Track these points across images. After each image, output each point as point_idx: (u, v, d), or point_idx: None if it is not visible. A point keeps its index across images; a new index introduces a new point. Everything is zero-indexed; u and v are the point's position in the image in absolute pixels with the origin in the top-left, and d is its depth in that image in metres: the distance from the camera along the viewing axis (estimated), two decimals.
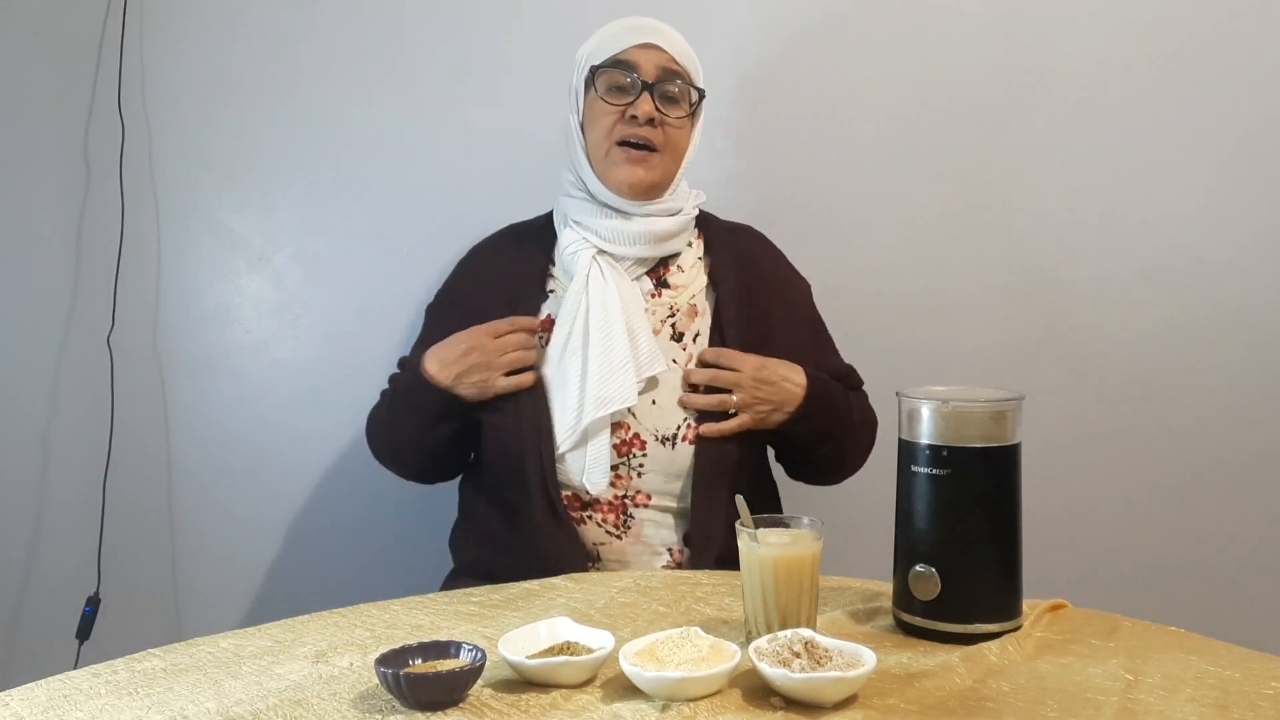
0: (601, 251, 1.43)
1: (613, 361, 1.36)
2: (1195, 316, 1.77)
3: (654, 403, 1.39)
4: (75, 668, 0.94)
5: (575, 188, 1.48)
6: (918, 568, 1.00)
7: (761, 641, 0.90)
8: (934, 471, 1.00)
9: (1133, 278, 1.77)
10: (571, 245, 1.44)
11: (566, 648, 0.92)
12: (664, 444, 1.38)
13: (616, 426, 1.37)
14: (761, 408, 1.39)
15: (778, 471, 1.55)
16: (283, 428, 1.83)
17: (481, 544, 1.44)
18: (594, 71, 1.43)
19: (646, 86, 1.41)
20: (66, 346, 1.80)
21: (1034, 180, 1.79)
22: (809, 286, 1.59)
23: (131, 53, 1.77)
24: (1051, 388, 1.77)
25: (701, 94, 1.46)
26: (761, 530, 1.01)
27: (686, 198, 1.49)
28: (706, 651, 0.88)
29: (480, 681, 0.88)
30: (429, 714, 0.83)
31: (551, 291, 1.47)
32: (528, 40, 1.79)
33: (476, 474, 1.49)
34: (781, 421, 1.41)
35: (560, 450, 1.36)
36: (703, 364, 1.40)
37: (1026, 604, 1.04)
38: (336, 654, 0.97)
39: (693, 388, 1.40)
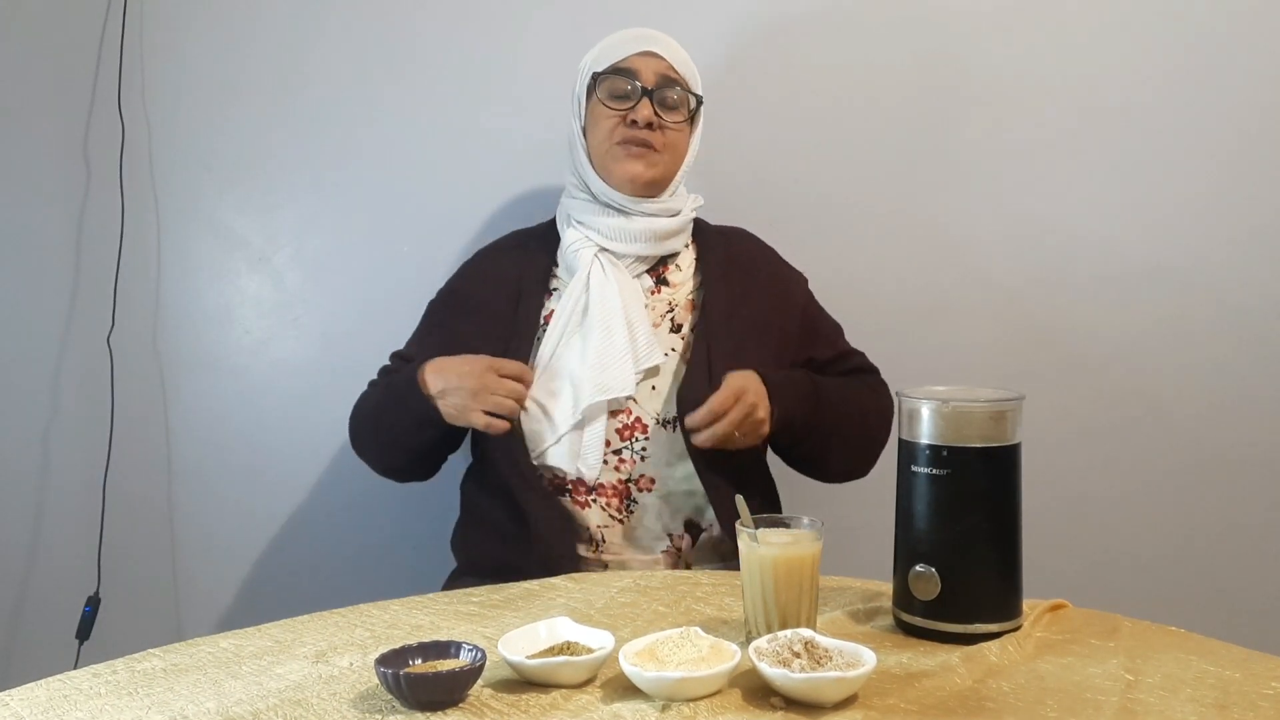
0: (603, 249, 1.47)
1: (612, 352, 1.39)
2: (1195, 316, 1.77)
3: (653, 388, 1.41)
4: (75, 667, 0.94)
5: (578, 189, 1.52)
6: (918, 568, 1.00)
7: (761, 641, 0.90)
8: (934, 471, 1.00)
9: (1133, 278, 1.77)
10: (574, 243, 1.48)
11: (566, 648, 0.92)
12: (665, 427, 1.40)
13: (617, 412, 1.40)
14: (760, 420, 1.37)
15: (777, 471, 1.55)
16: (283, 427, 1.83)
17: (486, 537, 1.44)
18: (596, 78, 1.48)
19: (646, 92, 1.45)
20: (66, 346, 1.80)
21: (1034, 180, 1.79)
22: (804, 279, 1.59)
23: (131, 52, 1.78)
24: (1051, 388, 1.77)
25: (699, 100, 1.51)
26: (761, 530, 1.01)
27: (686, 200, 1.54)
28: (706, 651, 0.88)
29: (480, 681, 0.88)
30: (429, 714, 0.83)
31: (554, 290, 1.50)
32: (528, 42, 1.79)
33: (478, 468, 1.50)
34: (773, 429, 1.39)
35: (559, 433, 1.38)
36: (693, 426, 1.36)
37: (1026, 604, 1.04)
38: (336, 654, 0.97)
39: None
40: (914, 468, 1.01)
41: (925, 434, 1.00)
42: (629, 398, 1.39)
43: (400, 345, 1.59)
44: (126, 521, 1.79)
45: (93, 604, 1.75)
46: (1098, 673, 0.92)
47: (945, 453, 0.99)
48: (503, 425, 1.37)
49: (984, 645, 0.97)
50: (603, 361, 1.38)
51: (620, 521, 1.39)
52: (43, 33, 1.78)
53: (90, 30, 1.77)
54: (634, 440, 1.39)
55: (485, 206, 1.78)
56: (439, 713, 0.84)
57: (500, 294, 1.50)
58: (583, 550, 1.39)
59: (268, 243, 1.82)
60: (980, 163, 1.79)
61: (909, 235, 1.80)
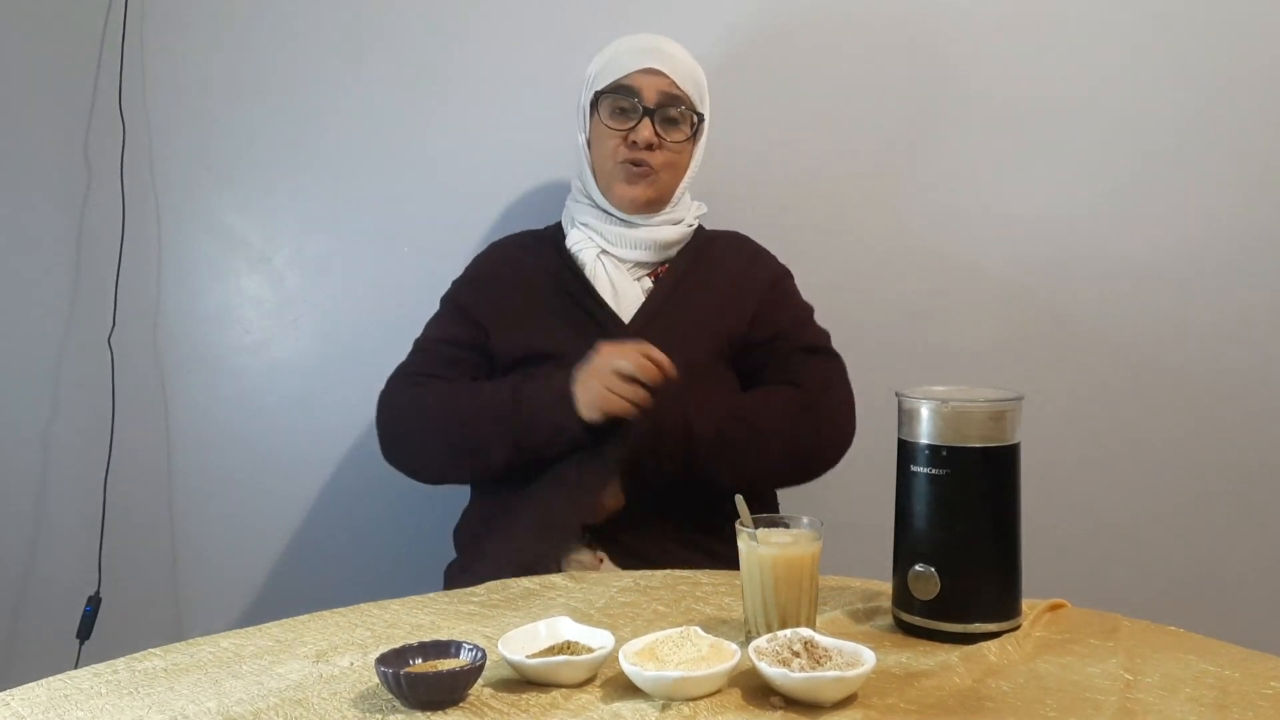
0: (605, 251, 1.50)
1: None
2: (1195, 316, 1.77)
3: None
4: (76, 667, 0.94)
5: (582, 194, 1.55)
6: (917, 567, 1.00)
7: (761, 641, 0.90)
8: (933, 471, 1.00)
9: (1133, 278, 1.78)
10: (578, 244, 1.51)
11: (566, 647, 0.92)
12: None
13: None
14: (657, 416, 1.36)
15: None
16: (283, 427, 1.83)
17: (490, 516, 1.44)
18: (598, 95, 1.49)
19: (648, 112, 1.47)
20: (66, 346, 1.80)
21: (1034, 180, 1.79)
22: (786, 273, 1.58)
23: (132, 52, 1.78)
24: (1051, 388, 1.77)
25: (701, 118, 1.51)
26: (761, 530, 1.01)
27: (689, 208, 1.56)
28: (706, 651, 0.89)
29: (480, 681, 0.88)
30: (429, 714, 0.84)
31: (565, 287, 1.50)
32: (530, 43, 1.79)
33: None
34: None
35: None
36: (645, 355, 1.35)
37: (1026, 604, 1.04)
38: (337, 654, 0.97)
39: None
40: (913, 468, 1.01)
41: (925, 434, 1.01)
42: None
43: (401, 346, 1.58)
44: (127, 521, 1.80)
45: (93, 603, 1.76)
46: (1097, 672, 0.92)
47: (945, 453, 1.00)
48: (628, 408, 1.32)
49: (983, 645, 0.97)
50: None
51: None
52: (43, 33, 1.78)
53: (91, 30, 1.77)
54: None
55: (486, 207, 1.78)
56: (439, 712, 0.84)
57: (521, 284, 1.52)
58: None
59: (268, 243, 1.83)
60: (980, 162, 1.79)
61: (909, 235, 1.80)
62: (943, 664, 0.93)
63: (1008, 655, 0.95)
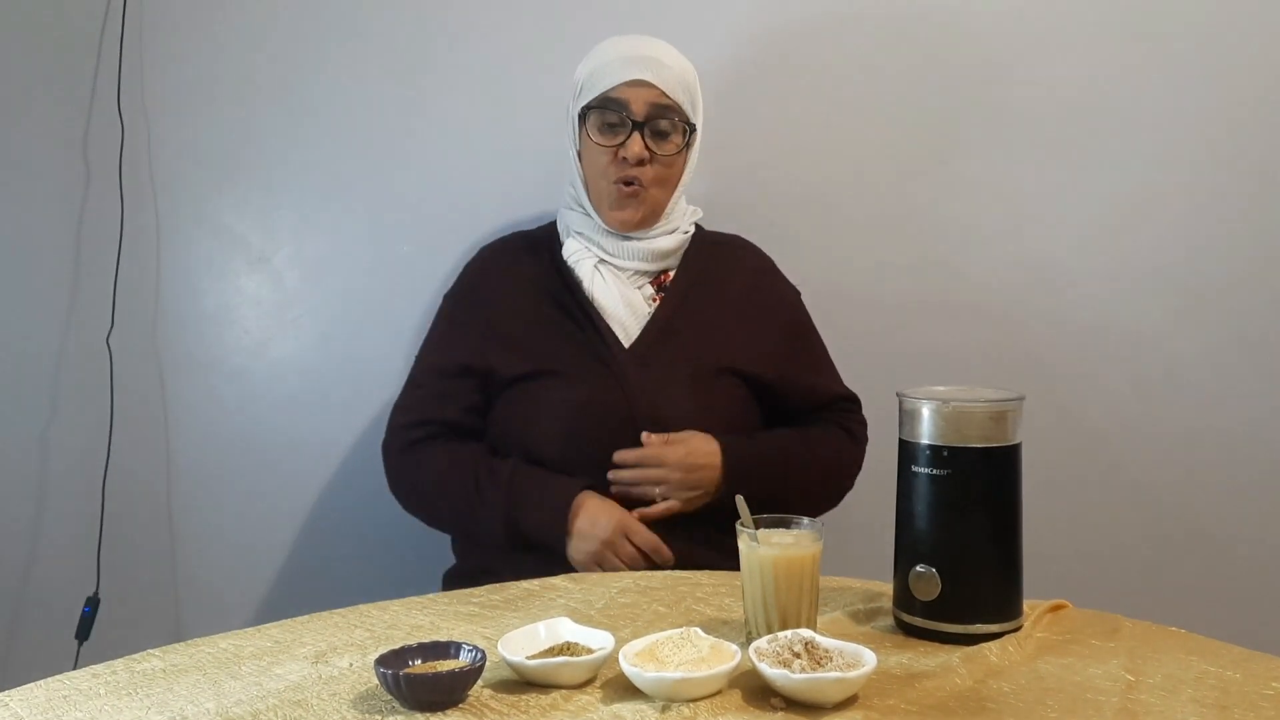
0: (603, 261, 1.48)
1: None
2: (1195, 316, 1.77)
3: None
4: (75, 668, 0.94)
5: (576, 202, 1.52)
6: (918, 568, 1.00)
7: (761, 642, 0.90)
8: (934, 472, 1.00)
9: (1133, 278, 1.77)
10: (574, 254, 1.48)
11: (566, 648, 0.92)
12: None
13: None
14: (692, 493, 1.39)
15: None
16: (282, 428, 1.83)
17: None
18: (585, 109, 1.45)
19: (637, 126, 1.42)
20: (66, 346, 1.80)
21: (1034, 180, 1.79)
22: (797, 294, 1.58)
23: (131, 52, 1.77)
24: (1051, 388, 1.77)
25: (693, 128, 1.47)
26: (761, 530, 1.01)
27: (685, 214, 1.53)
28: (706, 652, 0.88)
29: (480, 682, 0.88)
30: (429, 714, 0.83)
31: (561, 300, 1.48)
32: (529, 43, 1.79)
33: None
34: (708, 502, 1.40)
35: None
36: (624, 463, 1.38)
37: (1027, 604, 1.04)
38: (336, 654, 0.97)
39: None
40: (914, 468, 1.01)
41: (925, 434, 1.00)
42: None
43: (401, 347, 1.58)
44: (126, 521, 1.79)
45: (92, 604, 1.75)
46: (1098, 673, 0.92)
47: (945, 453, 0.99)
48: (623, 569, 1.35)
49: (984, 646, 0.97)
50: None
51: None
52: (43, 33, 1.78)
53: (90, 30, 1.77)
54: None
55: (485, 207, 1.78)
56: (439, 713, 0.84)
57: (514, 301, 1.49)
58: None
59: (267, 243, 1.82)
60: (980, 163, 1.79)
61: (909, 235, 1.80)
62: (944, 665, 0.93)
63: (1009, 656, 0.95)
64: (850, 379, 1.58)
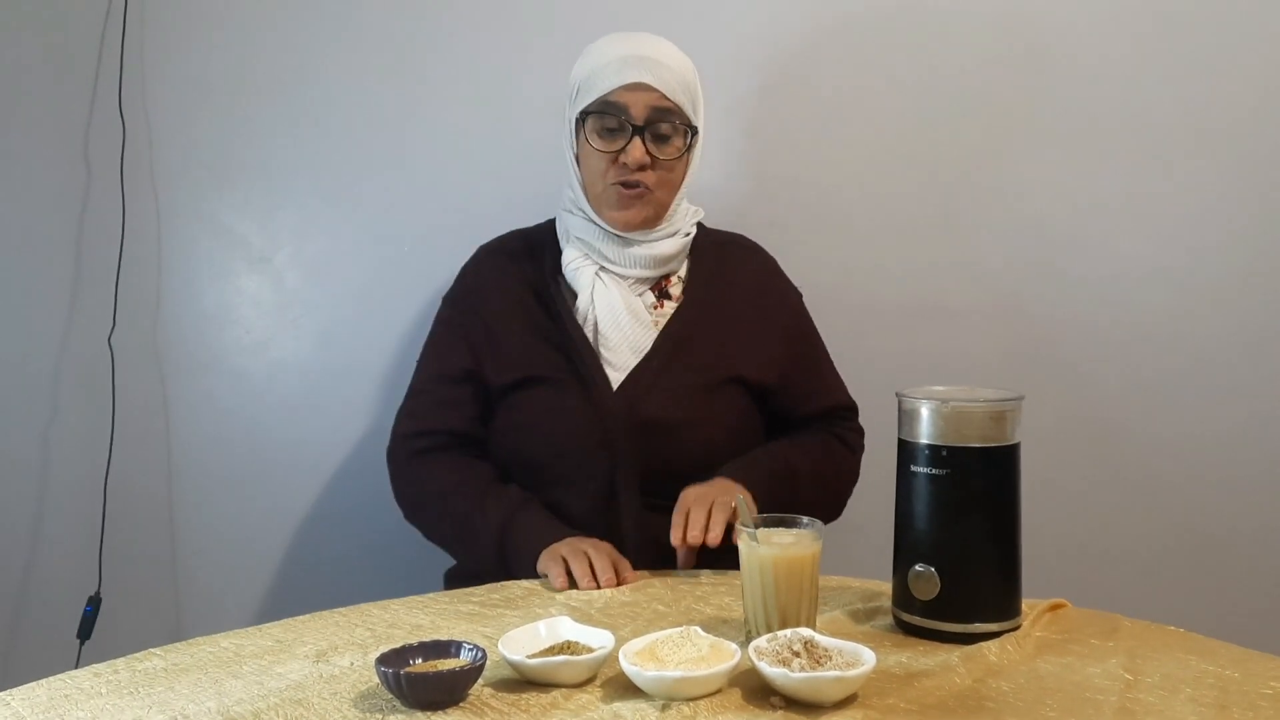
0: (604, 268, 1.45)
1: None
2: (1195, 316, 1.77)
3: None
4: (76, 667, 0.94)
5: (575, 207, 1.49)
6: (917, 567, 1.00)
7: (761, 641, 0.90)
8: (933, 471, 1.00)
9: (1133, 278, 1.77)
10: (574, 262, 1.46)
11: (566, 647, 0.92)
12: None
13: None
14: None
15: None
16: (283, 428, 1.83)
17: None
18: (583, 113, 1.42)
19: (637, 130, 1.39)
20: (66, 346, 1.80)
21: (1034, 180, 1.79)
22: (799, 296, 1.57)
23: (132, 53, 1.78)
24: (1051, 388, 1.77)
25: (695, 130, 1.45)
26: (761, 530, 1.01)
27: (686, 216, 1.51)
28: (706, 651, 0.89)
29: (480, 681, 0.88)
30: (429, 714, 0.84)
31: (558, 306, 1.46)
32: (529, 43, 1.79)
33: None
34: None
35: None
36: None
37: (1026, 604, 1.04)
38: (337, 654, 0.97)
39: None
40: (914, 468, 1.01)
41: (925, 434, 1.01)
42: None
43: (400, 347, 1.58)
44: (127, 521, 1.79)
45: (93, 603, 1.75)
46: (1097, 672, 0.92)
47: (945, 453, 1.00)
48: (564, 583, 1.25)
49: (983, 645, 0.97)
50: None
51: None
52: (43, 33, 1.78)
53: (91, 30, 1.77)
54: None
55: (485, 207, 1.78)
56: (439, 712, 0.84)
57: (512, 305, 1.47)
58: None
59: (268, 243, 1.82)
60: (980, 163, 1.79)
61: (909, 235, 1.80)
62: (943, 664, 0.93)
63: (1008, 655, 0.96)
64: (850, 379, 1.58)
